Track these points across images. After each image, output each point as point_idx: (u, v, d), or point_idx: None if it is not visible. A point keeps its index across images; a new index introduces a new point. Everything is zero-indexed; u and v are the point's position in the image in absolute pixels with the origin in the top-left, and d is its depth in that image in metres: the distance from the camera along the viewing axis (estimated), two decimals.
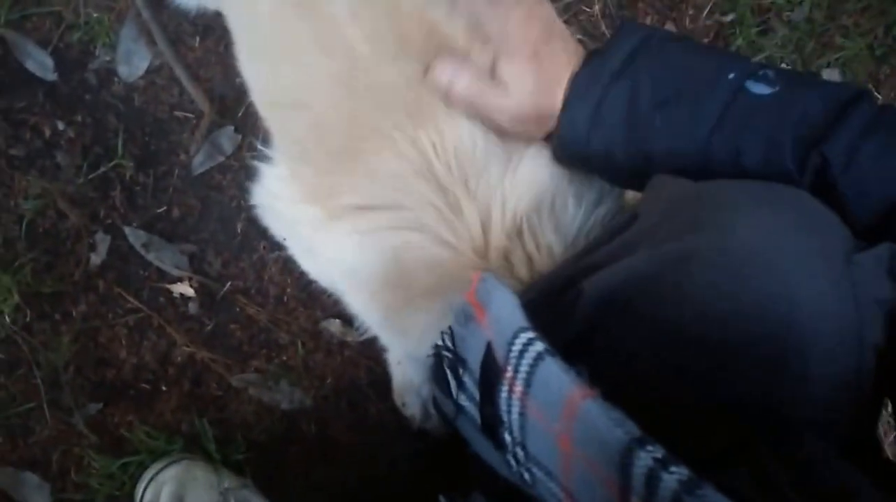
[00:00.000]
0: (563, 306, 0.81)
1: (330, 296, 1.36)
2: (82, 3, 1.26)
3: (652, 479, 0.50)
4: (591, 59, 0.83)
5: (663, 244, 0.77)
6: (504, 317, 0.69)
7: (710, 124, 0.81)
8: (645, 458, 0.51)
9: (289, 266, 1.36)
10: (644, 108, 0.83)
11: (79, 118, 1.29)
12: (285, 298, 1.37)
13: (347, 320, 1.36)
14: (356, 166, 0.90)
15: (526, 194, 0.90)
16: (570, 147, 0.85)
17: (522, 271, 0.88)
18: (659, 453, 0.51)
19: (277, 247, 1.35)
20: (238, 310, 1.36)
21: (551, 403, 0.62)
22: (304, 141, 0.94)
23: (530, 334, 0.66)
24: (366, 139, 0.88)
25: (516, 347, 0.67)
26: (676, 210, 0.81)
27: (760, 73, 0.81)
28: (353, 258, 0.96)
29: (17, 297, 1.28)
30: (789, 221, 0.69)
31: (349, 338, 1.38)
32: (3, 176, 1.26)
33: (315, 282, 1.35)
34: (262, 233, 1.35)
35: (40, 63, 1.27)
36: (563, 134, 0.84)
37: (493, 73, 0.83)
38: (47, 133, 1.29)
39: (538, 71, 0.83)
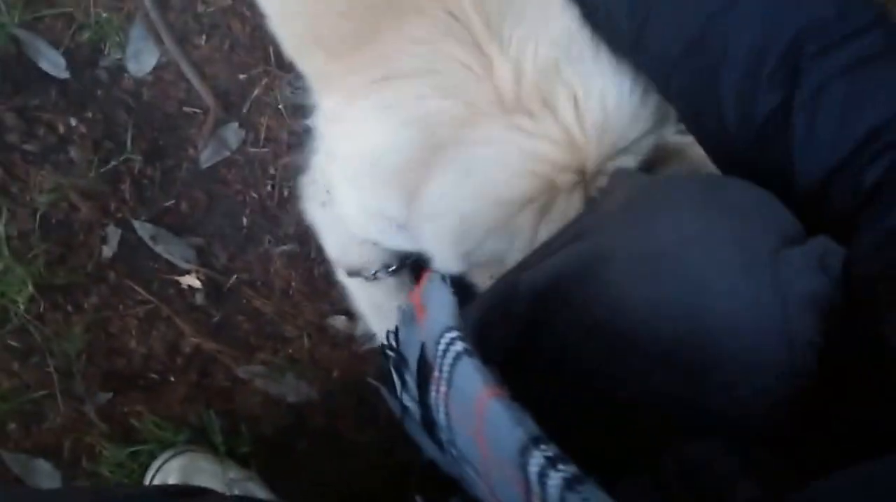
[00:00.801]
0: (505, 304, 0.81)
1: (336, 290, 1.38)
2: (92, 3, 1.30)
3: (542, 477, 0.50)
4: None
5: (594, 238, 0.76)
6: (437, 317, 0.69)
7: (711, 8, 0.78)
8: (538, 456, 0.51)
9: (294, 260, 1.38)
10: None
11: (90, 114, 1.33)
12: (291, 292, 1.38)
13: (354, 316, 1.37)
14: (376, 42, 0.91)
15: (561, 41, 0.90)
16: None
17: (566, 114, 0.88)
18: (550, 452, 0.51)
19: (283, 240, 1.37)
20: (244, 302, 1.38)
21: (466, 404, 0.62)
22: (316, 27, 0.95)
23: (454, 333, 0.66)
24: (383, 14, 0.89)
25: (441, 346, 0.67)
26: (619, 204, 0.80)
27: None
28: (374, 138, 0.96)
29: (31, 288, 1.32)
30: (714, 216, 0.68)
31: (356, 333, 1.39)
32: (18, 170, 1.31)
33: (320, 276, 1.38)
34: (268, 227, 1.37)
35: (53, 62, 1.31)
36: None
37: None
38: (60, 129, 1.33)
39: None
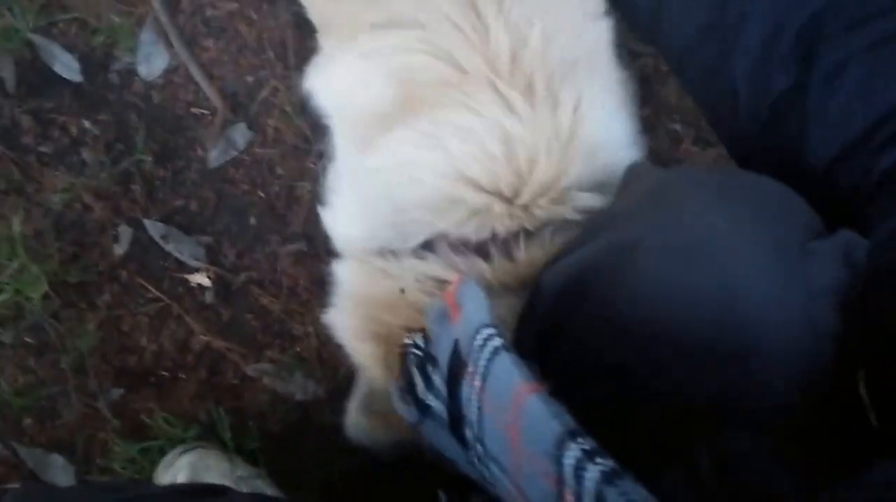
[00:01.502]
0: (530, 299, 0.81)
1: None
2: (104, 8, 1.34)
3: (579, 471, 0.51)
4: None
5: (615, 233, 0.76)
6: (473, 315, 0.70)
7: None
8: (575, 449, 0.51)
9: (302, 258, 1.40)
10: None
11: (102, 116, 1.36)
12: (298, 290, 1.40)
13: None
14: None
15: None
16: None
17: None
18: (587, 445, 0.51)
19: (290, 239, 1.39)
20: (253, 300, 1.40)
21: (502, 397, 0.63)
22: None
23: (491, 330, 0.67)
24: None
25: (477, 342, 0.68)
26: (638, 199, 0.80)
27: None
28: (353, 83, 0.95)
29: (45, 286, 1.35)
30: (739, 209, 0.68)
31: None
32: (33, 171, 1.34)
33: (328, 275, 1.39)
34: (275, 226, 1.39)
35: (67, 65, 1.34)
36: None
37: None
38: (74, 131, 1.36)
39: None
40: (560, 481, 0.52)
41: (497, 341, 0.66)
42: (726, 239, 0.66)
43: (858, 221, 0.70)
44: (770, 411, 0.65)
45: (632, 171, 0.88)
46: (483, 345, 0.67)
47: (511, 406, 0.61)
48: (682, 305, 0.65)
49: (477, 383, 0.66)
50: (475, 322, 0.68)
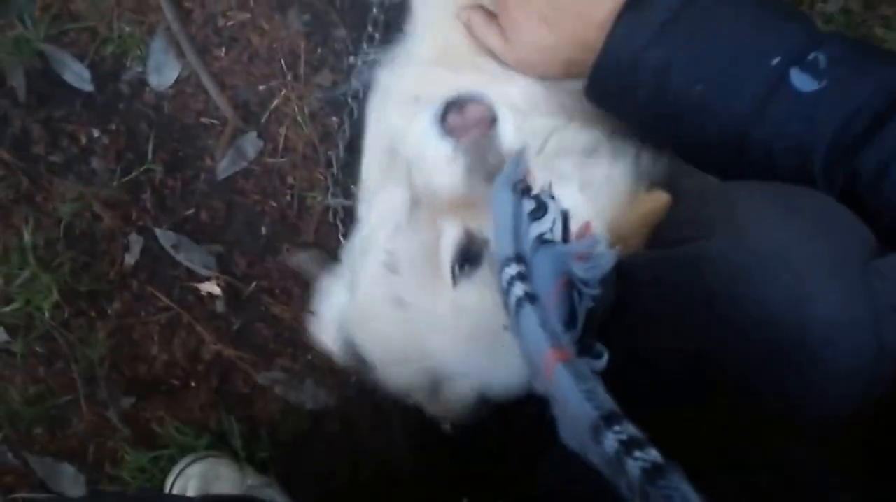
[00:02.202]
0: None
1: None
2: (116, 17, 1.34)
3: (619, 463, 0.47)
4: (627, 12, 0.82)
5: (679, 244, 0.77)
6: (500, 238, 0.67)
7: (744, 118, 0.79)
8: (612, 439, 0.48)
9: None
10: (676, 87, 0.81)
11: (113, 126, 1.36)
12: (309, 299, 1.40)
13: None
14: None
15: None
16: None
17: None
18: (625, 434, 0.48)
19: (301, 249, 1.39)
20: (263, 309, 1.40)
21: (535, 356, 0.59)
22: None
23: (513, 269, 0.64)
24: None
25: (504, 281, 0.65)
26: (700, 211, 0.80)
27: (811, 57, 0.76)
28: None
29: (56, 295, 1.35)
30: (805, 226, 0.69)
31: None
32: (43, 181, 1.34)
33: None
34: (286, 235, 1.39)
35: (77, 75, 1.34)
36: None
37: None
38: (83, 140, 1.36)
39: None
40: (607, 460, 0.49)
41: (520, 288, 0.62)
42: (794, 254, 0.66)
43: None
44: (828, 424, 0.65)
45: (696, 182, 0.89)
46: (509, 289, 0.64)
47: (544, 369, 0.57)
48: (746, 321, 0.66)
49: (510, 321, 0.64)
50: (501, 249, 0.65)
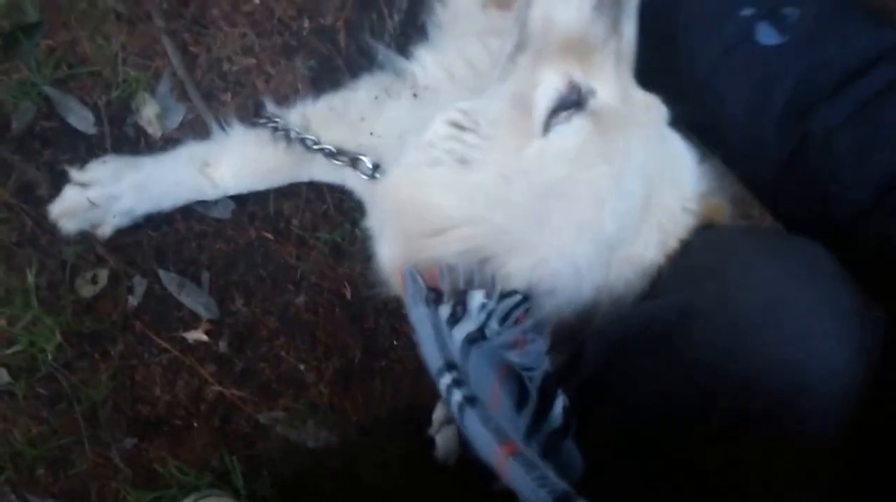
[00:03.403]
0: (570, 357, 0.82)
1: (354, 336, 1.42)
2: (121, 62, 1.34)
3: None
4: None
5: (670, 294, 0.79)
6: (429, 353, 0.70)
7: (706, 68, 0.82)
8: None
9: (315, 308, 1.42)
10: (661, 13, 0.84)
11: None
12: (311, 339, 1.42)
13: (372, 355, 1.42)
14: None
15: None
16: None
17: None
18: None
19: (303, 290, 1.41)
20: (266, 349, 1.41)
21: (486, 454, 0.62)
22: None
23: (448, 377, 0.66)
24: None
25: (442, 388, 0.67)
26: (694, 260, 0.83)
27: (784, 11, 0.77)
28: None
29: (59, 337, 1.36)
30: (799, 278, 0.71)
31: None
32: (46, 223, 1.33)
33: (341, 323, 1.41)
34: (288, 276, 1.41)
35: (83, 118, 1.35)
36: None
37: None
38: None
39: None
40: None
41: (458, 395, 0.65)
42: (790, 307, 0.69)
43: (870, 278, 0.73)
44: (820, 452, 0.68)
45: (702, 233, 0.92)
46: (449, 395, 0.66)
47: (497, 464, 0.61)
48: (749, 368, 0.68)
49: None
50: (433, 362, 0.67)
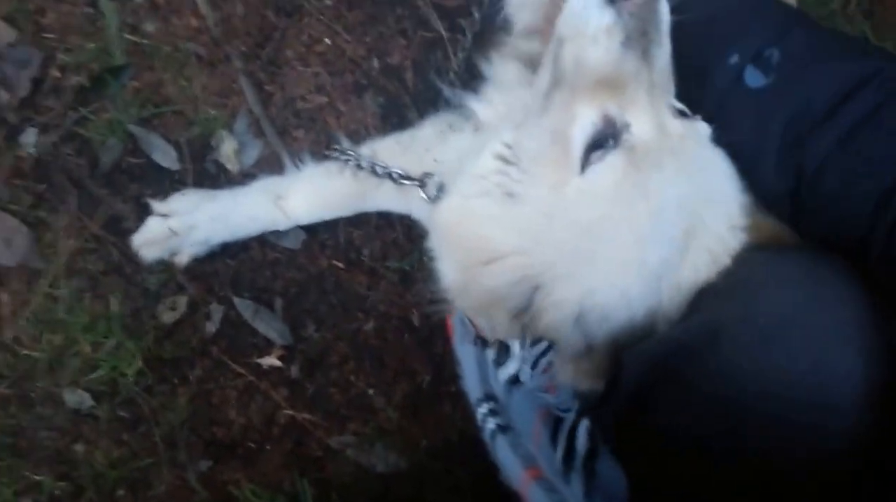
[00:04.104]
0: (612, 378, 0.86)
1: (421, 359, 1.46)
2: (201, 101, 1.42)
3: None
4: None
5: (701, 315, 0.82)
6: (470, 384, 0.76)
7: (712, 109, 0.85)
8: None
9: (382, 333, 1.46)
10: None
11: None
12: (380, 364, 1.46)
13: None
14: None
15: None
16: None
17: None
18: None
19: (372, 316, 1.46)
20: (336, 374, 1.46)
21: (513, 478, 0.69)
22: None
23: (485, 407, 0.73)
24: None
25: (479, 417, 0.74)
26: (725, 280, 0.86)
27: (766, 54, 0.80)
28: None
29: (140, 362, 1.42)
30: (823, 296, 0.73)
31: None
32: (131, 254, 1.41)
33: (409, 348, 1.46)
34: (358, 303, 1.46)
35: (166, 154, 1.43)
36: None
37: None
38: None
39: None
40: None
41: (492, 423, 0.71)
42: (810, 323, 0.71)
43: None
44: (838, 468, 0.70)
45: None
46: (484, 423, 0.73)
47: (521, 487, 0.66)
48: (768, 386, 0.70)
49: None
50: (473, 393, 0.74)
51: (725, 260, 0.88)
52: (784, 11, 0.84)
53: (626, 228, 0.84)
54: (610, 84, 0.87)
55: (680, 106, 0.89)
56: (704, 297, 0.88)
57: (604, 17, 0.86)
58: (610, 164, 0.84)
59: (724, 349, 0.73)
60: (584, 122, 0.85)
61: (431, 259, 1.07)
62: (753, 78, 0.79)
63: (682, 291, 0.88)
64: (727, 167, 0.89)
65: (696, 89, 0.84)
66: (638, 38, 0.86)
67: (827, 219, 0.78)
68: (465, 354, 0.79)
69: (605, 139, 0.85)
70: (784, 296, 0.74)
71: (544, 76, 0.94)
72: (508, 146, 0.92)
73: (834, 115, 0.75)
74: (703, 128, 0.88)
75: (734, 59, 0.80)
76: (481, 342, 0.81)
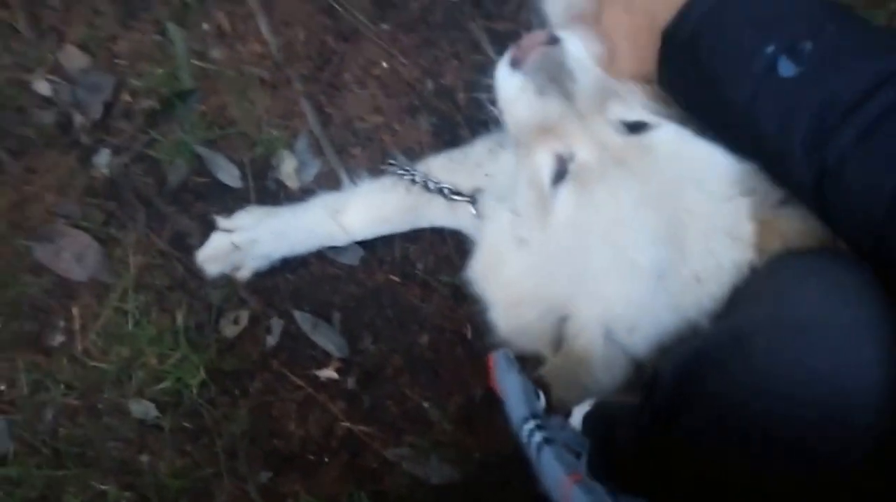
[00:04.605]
0: (648, 383, 0.88)
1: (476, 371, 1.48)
2: (264, 122, 1.49)
3: None
4: None
5: (728, 321, 0.85)
6: (515, 407, 0.82)
7: (746, 100, 0.85)
8: None
9: (436, 346, 1.49)
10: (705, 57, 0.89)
11: None
12: (435, 377, 1.49)
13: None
14: None
15: None
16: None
17: None
18: None
19: (427, 330, 1.49)
20: (392, 387, 1.49)
21: (556, 489, 0.74)
22: None
23: (531, 424, 0.79)
24: None
25: (524, 435, 0.80)
26: (750, 284, 0.89)
27: (799, 46, 0.81)
28: None
29: (203, 374, 1.46)
30: (846, 299, 0.75)
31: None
32: (196, 269, 1.46)
33: (463, 361, 1.48)
34: (414, 317, 1.49)
35: (230, 173, 1.49)
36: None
37: None
38: None
39: None
40: None
41: (538, 436, 0.77)
42: (834, 320, 0.73)
43: None
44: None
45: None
46: (530, 439, 0.78)
47: (563, 493, 0.71)
48: (796, 383, 0.71)
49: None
50: (518, 414, 0.79)
51: (732, 233, 0.92)
52: (823, 5, 0.86)
53: (602, 243, 0.93)
54: (546, 128, 0.99)
55: (635, 117, 0.97)
56: (730, 302, 0.91)
57: (514, 80, 0.99)
58: (565, 193, 0.95)
59: (748, 355, 0.75)
60: (542, 165, 0.97)
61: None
62: (786, 67, 0.82)
63: (704, 282, 0.92)
64: (704, 151, 0.95)
65: (741, 76, 0.86)
66: (549, 83, 0.98)
67: (847, 215, 0.80)
68: (511, 381, 0.84)
69: (562, 174, 0.96)
70: (805, 299, 0.77)
71: (510, 140, 1.08)
72: (512, 199, 1.05)
73: (857, 110, 0.77)
74: (666, 130, 0.96)
75: (770, 48, 0.83)
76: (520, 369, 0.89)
